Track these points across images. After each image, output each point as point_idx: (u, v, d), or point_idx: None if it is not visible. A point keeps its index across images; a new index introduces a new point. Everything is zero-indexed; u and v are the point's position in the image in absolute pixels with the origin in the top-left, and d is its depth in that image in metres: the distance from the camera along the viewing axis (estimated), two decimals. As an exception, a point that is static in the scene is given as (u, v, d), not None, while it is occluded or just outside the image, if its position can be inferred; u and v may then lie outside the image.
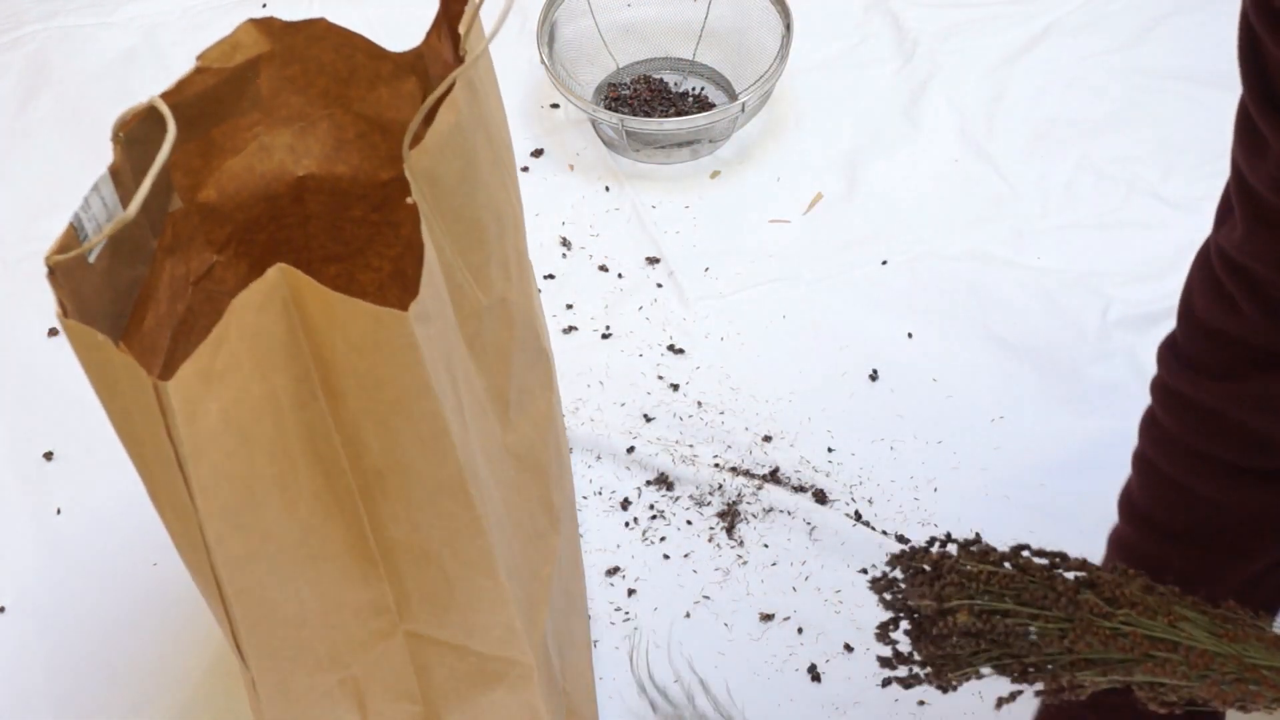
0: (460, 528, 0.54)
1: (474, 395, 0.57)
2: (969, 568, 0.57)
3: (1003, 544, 0.90)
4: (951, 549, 0.58)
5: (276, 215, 0.64)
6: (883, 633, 0.58)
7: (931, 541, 0.58)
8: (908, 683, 0.57)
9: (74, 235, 0.47)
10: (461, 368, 0.55)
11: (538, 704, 0.65)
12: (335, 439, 0.51)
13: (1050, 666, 0.55)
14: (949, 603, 0.56)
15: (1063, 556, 0.58)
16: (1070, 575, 0.57)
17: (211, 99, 0.58)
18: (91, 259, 0.48)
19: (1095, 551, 0.87)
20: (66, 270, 0.46)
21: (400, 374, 0.48)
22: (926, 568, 0.57)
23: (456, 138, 0.51)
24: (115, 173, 0.50)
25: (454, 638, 0.60)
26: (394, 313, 0.45)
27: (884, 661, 0.57)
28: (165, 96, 0.53)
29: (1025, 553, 0.58)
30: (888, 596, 0.58)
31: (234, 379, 0.45)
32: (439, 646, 0.60)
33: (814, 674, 0.83)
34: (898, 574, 0.58)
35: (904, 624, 0.58)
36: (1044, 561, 0.58)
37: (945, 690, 0.57)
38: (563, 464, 0.74)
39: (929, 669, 0.56)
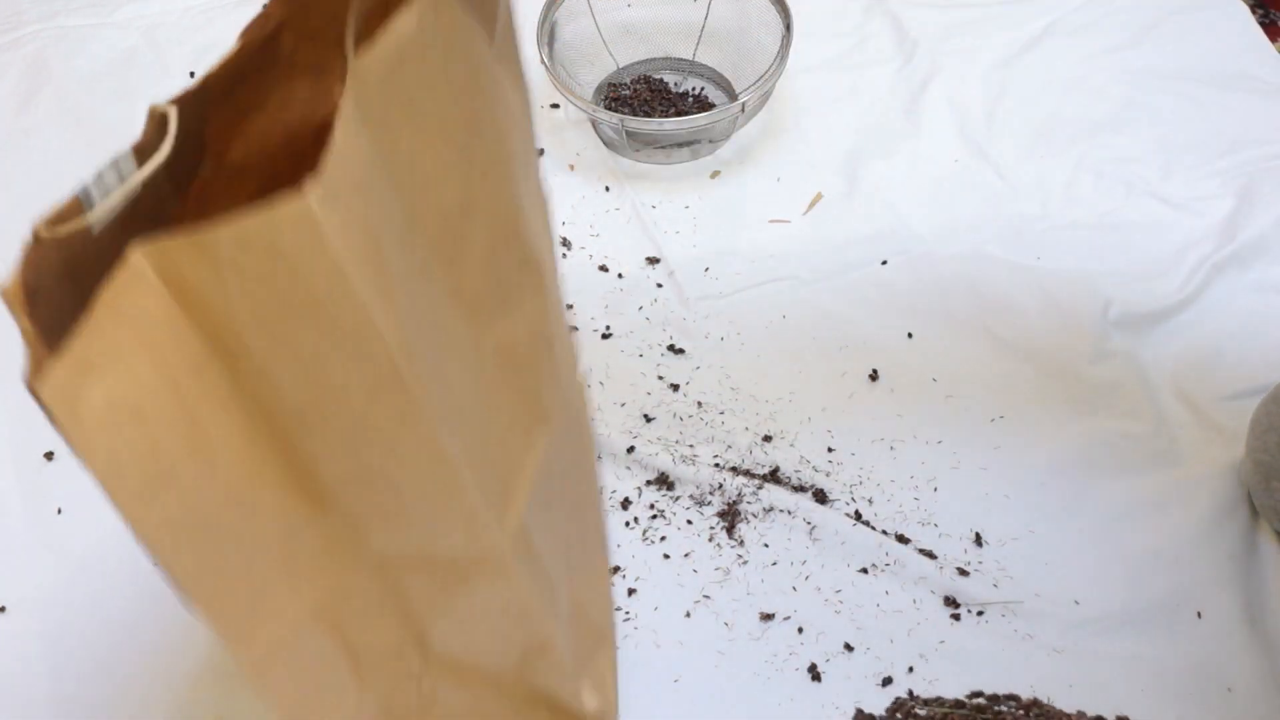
0: (397, 419, 0.53)
1: (430, 281, 0.56)
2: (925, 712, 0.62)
3: (1002, 542, 0.91)
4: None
5: (299, 167, 0.64)
6: None
7: (893, 713, 0.60)
8: None
9: (79, 206, 0.47)
10: (410, 255, 0.54)
11: (522, 597, 0.64)
12: (242, 395, 0.50)
13: None
14: None
15: (1014, 698, 0.59)
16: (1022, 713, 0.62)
17: (243, 66, 0.59)
18: (95, 231, 0.48)
19: (1097, 549, 0.88)
20: (63, 242, 0.46)
21: (306, 266, 0.46)
22: None
23: (414, 48, 0.50)
24: (140, 151, 0.50)
25: (419, 548, 0.58)
26: (283, 201, 0.44)
27: None
28: (209, 72, 0.53)
29: (980, 699, 0.62)
30: None
31: (116, 366, 0.45)
32: (405, 562, 0.59)
33: (814, 674, 0.83)
34: None
35: None
36: (1002, 708, 0.64)
37: None
38: (559, 370, 0.73)
39: None
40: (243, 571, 0.53)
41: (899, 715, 0.69)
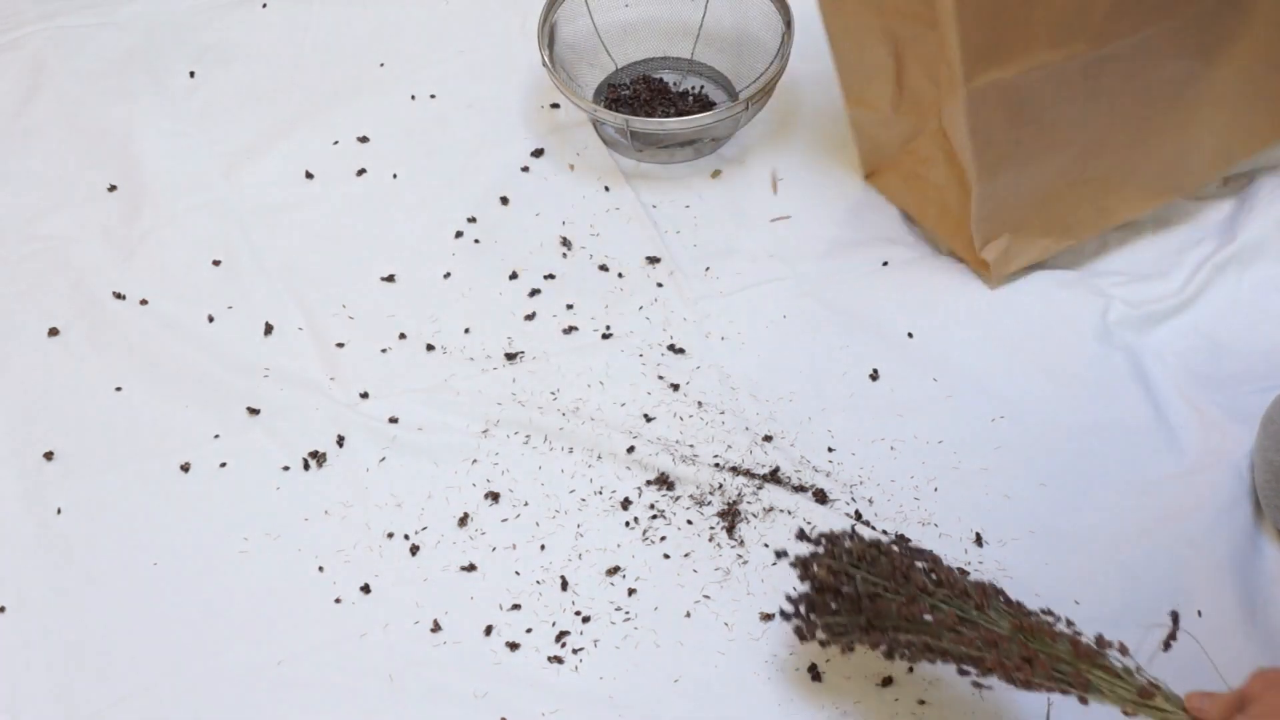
0: None
1: None
2: (851, 546, 0.76)
3: (1002, 542, 0.91)
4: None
5: None
6: (794, 608, 0.78)
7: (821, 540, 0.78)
8: (802, 633, 0.77)
9: None
10: None
11: (956, 151, 0.98)
12: None
13: (887, 629, 0.73)
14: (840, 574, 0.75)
15: (904, 544, 0.80)
16: (920, 565, 0.75)
17: None
18: None
19: (1097, 549, 0.88)
20: None
21: None
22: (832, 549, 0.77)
23: None
24: None
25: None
26: None
27: (796, 630, 0.78)
28: None
29: (884, 540, 0.79)
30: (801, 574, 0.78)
31: None
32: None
33: (814, 674, 0.83)
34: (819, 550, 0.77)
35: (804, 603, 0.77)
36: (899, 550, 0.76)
37: (827, 645, 0.77)
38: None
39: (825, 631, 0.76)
40: None
41: (827, 544, 0.77)
